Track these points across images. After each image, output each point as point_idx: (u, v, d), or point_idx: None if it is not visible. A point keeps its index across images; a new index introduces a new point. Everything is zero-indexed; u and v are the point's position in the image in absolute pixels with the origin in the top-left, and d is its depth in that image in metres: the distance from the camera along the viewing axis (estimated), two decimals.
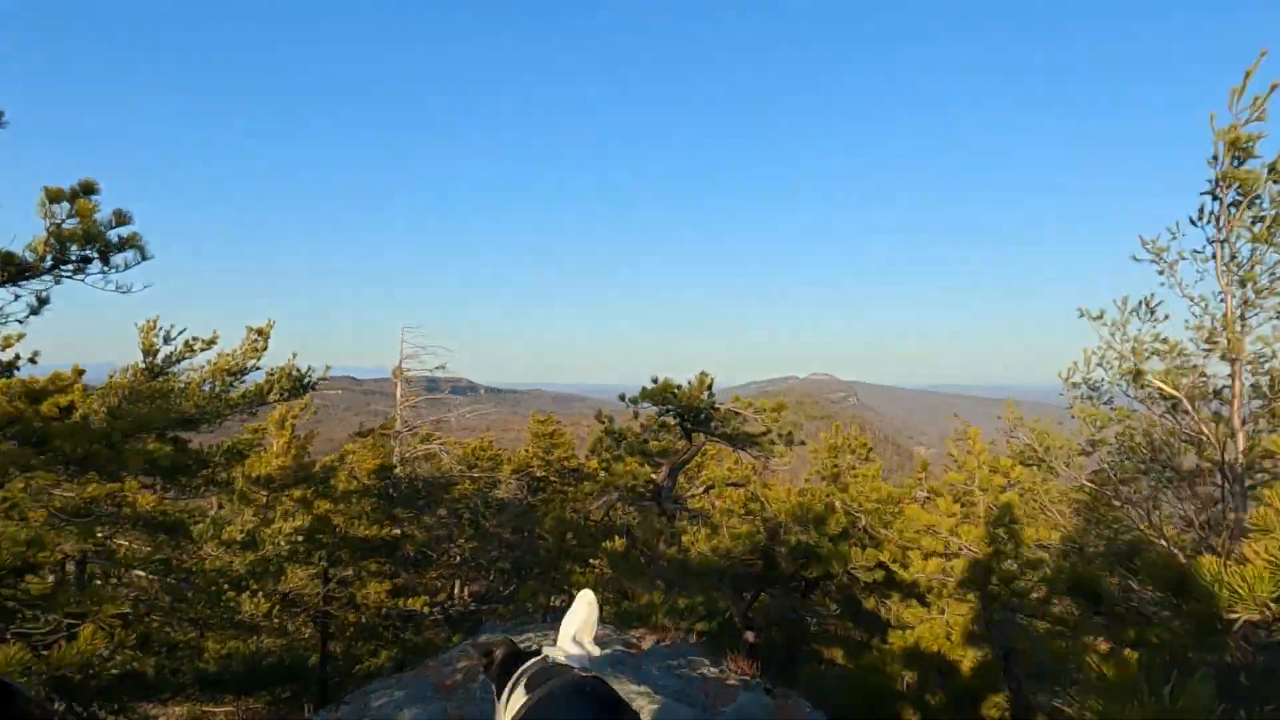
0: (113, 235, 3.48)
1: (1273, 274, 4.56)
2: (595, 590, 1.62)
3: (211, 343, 6.55)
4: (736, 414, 9.08)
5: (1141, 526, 5.51)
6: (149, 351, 6.30)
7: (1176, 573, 2.24)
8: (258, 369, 6.91)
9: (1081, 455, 6.61)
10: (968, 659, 7.06)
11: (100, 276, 3.54)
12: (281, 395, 7.07)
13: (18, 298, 3.52)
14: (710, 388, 8.92)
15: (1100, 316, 5.59)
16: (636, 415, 9.87)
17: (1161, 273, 5.09)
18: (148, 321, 6.28)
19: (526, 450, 16.35)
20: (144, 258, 3.60)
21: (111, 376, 6.33)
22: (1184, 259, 4.98)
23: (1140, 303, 5.39)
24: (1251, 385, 4.99)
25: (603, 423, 10.69)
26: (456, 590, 16.02)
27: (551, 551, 12.98)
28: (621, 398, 9.60)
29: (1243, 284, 4.65)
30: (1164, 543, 5.19)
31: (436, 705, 4.61)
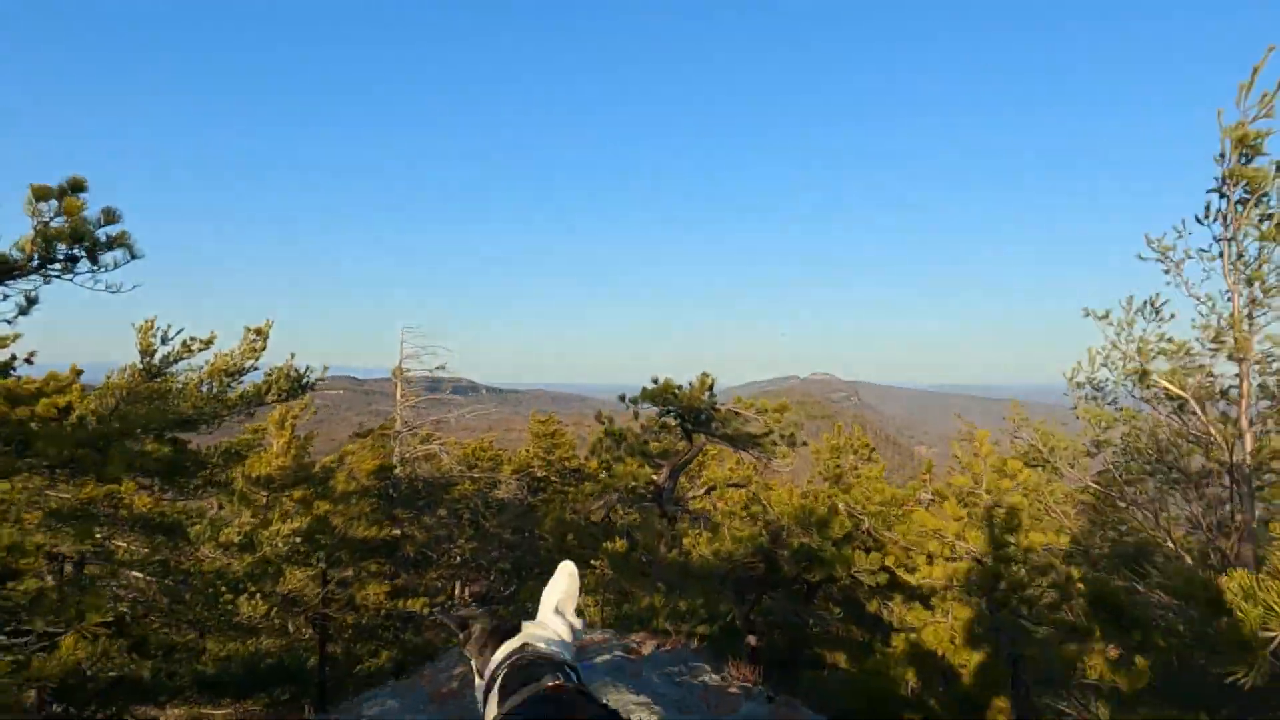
0: (101, 234, 3.43)
1: None
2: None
3: (209, 343, 6.50)
4: (737, 414, 9.03)
5: (1148, 529, 5.45)
6: (146, 352, 6.26)
7: (1202, 586, 2.15)
8: (256, 369, 6.87)
9: (1086, 456, 6.55)
10: (972, 663, 6.98)
11: (89, 275, 3.49)
12: (280, 396, 7.04)
13: (6, 298, 3.48)
14: (711, 388, 8.87)
15: (1105, 316, 5.53)
16: (637, 416, 9.81)
17: (1167, 271, 5.03)
18: (145, 321, 6.23)
19: (527, 450, 16.33)
20: (133, 256, 3.54)
21: (109, 377, 6.29)
22: (1190, 257, 4.92)
23: (1146, 302, 5.33)
24: (1259, 385, 4.93)
25: (603, 423, 10.63)
26: (457, 591, 15.97)
27: (552, 552, 12.93)
28: (622, 398, 9.55)
29: (1250, 282, 4.59)
30: (1171, 545, 5.12)
31: (431, 715, 4.55)
